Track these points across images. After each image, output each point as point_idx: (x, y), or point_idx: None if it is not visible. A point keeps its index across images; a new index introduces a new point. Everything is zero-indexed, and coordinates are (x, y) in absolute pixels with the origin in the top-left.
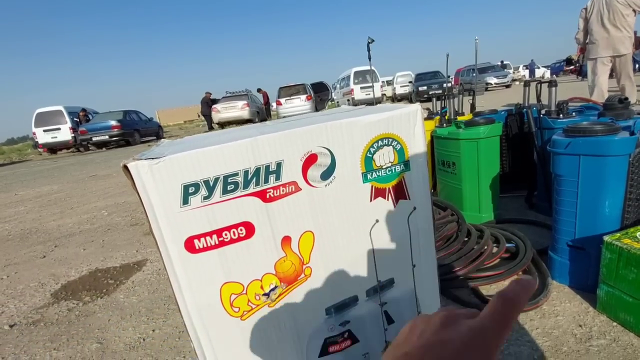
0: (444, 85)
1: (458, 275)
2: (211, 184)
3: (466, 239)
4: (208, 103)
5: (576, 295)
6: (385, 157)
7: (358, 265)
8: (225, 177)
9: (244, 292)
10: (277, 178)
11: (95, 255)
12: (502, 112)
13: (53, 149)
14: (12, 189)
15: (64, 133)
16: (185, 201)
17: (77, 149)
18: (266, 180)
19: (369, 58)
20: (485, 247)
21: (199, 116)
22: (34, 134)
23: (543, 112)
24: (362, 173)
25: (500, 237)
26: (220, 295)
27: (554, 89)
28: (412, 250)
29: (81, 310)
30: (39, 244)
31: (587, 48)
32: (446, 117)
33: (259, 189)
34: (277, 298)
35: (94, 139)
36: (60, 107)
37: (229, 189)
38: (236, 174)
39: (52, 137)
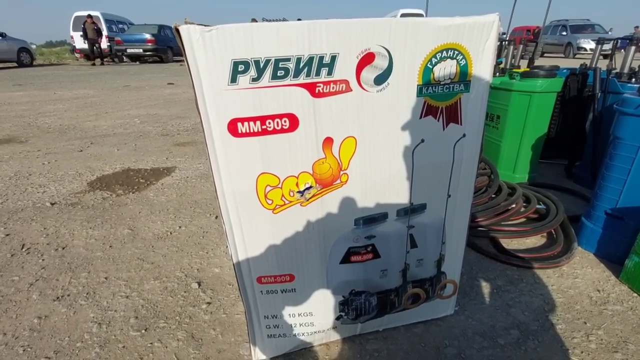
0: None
1: (480, 225)
2: (261, 65)
3: (494, 195)
4: None
5: (600, 263)
6: (446, 70)
7: (394, 183)
8: (277, 61)
9: (279, 186)
10: (329, 73)
11: (128, 157)
12: (564, 70)
13: (89, 55)
14: (51, 89)
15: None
16: (233, 79)
17: (112, 59)
18: (318, 73)
19: None
20: (514, 205)
21: None
22: (72, 37)
23: (613, 73)
24: (418, 85)
25: (532, 197)
26: (256, 185)
27: (632, 47)
28: (451, 179)
29: (114, 200)
30: (76, 139)
31: None
32: (500, 67)
33: (309, 80)
34: (310, 198)
35: (129, 50)
36: (98, 13)
37: (279, 74)
38: (288, 59)
39: None
